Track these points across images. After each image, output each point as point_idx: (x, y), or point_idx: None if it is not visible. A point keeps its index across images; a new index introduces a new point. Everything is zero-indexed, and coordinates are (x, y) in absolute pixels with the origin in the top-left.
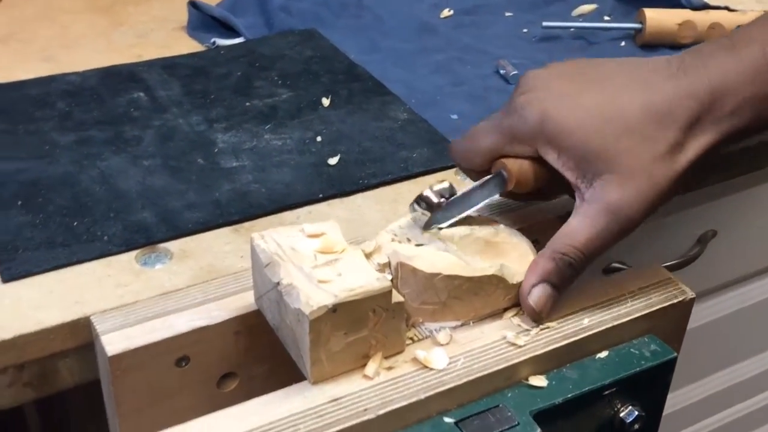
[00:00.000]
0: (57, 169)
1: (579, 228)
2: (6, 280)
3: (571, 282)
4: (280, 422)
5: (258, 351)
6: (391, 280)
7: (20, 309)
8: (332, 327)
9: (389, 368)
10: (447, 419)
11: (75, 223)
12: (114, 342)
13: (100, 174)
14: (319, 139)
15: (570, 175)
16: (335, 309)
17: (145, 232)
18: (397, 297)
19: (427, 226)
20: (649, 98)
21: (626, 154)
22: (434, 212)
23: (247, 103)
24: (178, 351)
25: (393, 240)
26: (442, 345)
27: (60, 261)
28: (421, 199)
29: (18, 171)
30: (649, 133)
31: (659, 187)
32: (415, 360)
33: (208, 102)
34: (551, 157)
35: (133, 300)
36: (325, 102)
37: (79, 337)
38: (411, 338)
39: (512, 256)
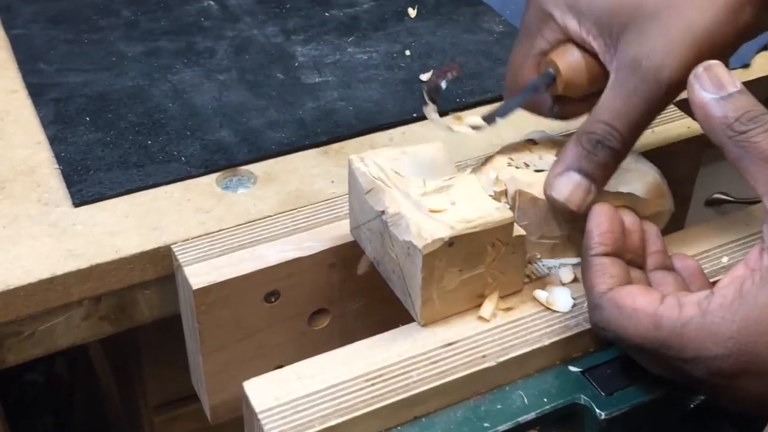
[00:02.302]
0: (126, 81)
1: (605, 101)
2: (77, 204)
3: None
4: (389, 368)
5: (352, 286)
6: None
7: (95, 235)
8: (447, 263)
9: (507, 309)
10: (573, 368)
11: (149, 142)
12: (199, 274)
13: (172, 88)
14: (408, 52)
15: (596, 46)
16: (451, 243)
17: (225, 152)
18: (518, 230)
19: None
20: None
21: None
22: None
23: (326, 13)
24: (269, 285)
25: (509, 165)
26: (564, 284)
27: (135, 183)
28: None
29: (85, 83)
30: None
31: (697, 27)
32: (535, 301)
33: (284, 11)
34: (573, 28)
35: (216, 227)
36: (411, 12)
37: (159, 268)
38: (527, 276)
39: (638, 184)
